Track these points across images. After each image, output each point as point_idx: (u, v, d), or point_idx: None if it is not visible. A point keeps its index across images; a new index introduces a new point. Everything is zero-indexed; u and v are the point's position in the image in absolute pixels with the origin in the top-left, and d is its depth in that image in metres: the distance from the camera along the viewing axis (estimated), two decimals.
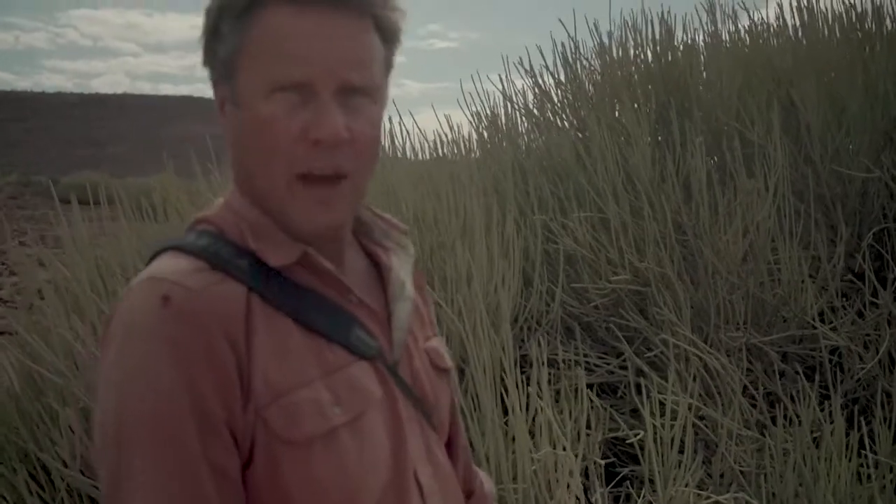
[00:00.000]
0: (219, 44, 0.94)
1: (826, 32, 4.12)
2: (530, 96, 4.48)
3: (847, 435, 2.60)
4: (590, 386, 2.85)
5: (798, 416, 2.73)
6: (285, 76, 0.90)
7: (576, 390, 2.74)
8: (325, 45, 0.90)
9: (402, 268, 1.07)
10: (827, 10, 4.19)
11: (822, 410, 2.79)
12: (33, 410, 2.40)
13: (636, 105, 4.02)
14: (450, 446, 1.15)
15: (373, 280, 1.05)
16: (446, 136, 4.25)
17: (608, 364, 3.29)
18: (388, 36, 0.97)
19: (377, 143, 0.98)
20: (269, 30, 0.91)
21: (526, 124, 4.44)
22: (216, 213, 0.99)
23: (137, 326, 0.87)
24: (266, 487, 0.88)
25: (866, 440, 2.67)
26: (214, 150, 3.61)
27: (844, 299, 3.44)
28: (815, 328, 3.24)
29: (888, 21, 3.98)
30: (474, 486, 1.23)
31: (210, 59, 0.97)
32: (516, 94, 4.49)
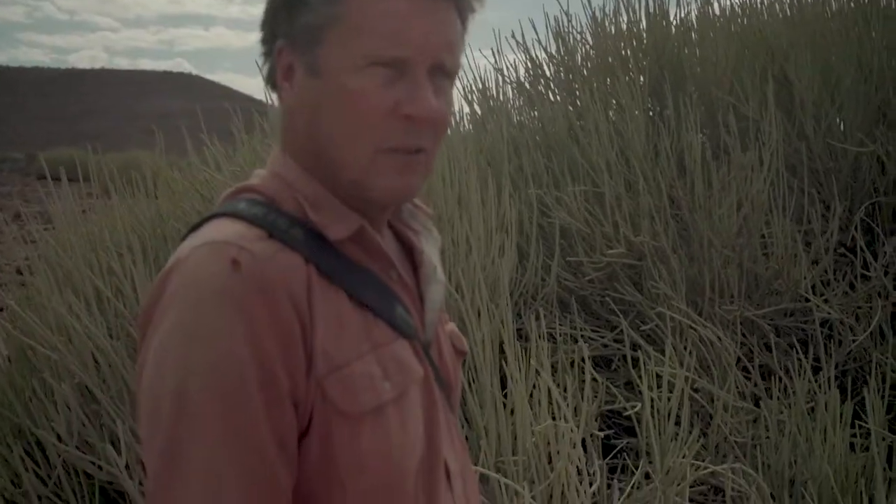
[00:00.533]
0: (300, 11, 0.93)
1: (820, 6, 4.11)
2: (522, 70, 4.46)
3: (841, 406, 2.63)
4: (583, 359, 2.86)
5: (793, 388, 2.75)
6: (385, 51, 0.90)
7: (572, 363, 2.74)
8: (423, 24, 0.92)
9: (431, 251, 1.07)
10: None
11: (815, 382, 2.81)
12: (27, 386, 2.37)
13: (629, 78, 4.00)
14: None
15: (404, 261, 1.05)
16: None
17: (603, 337, 3.30)
18: (466, 22, 0.99)
19: (450, 123, 0.99)
20: (368, 5, 0.91)
21: (518, 98, 4.41)
22: (265, 184, 0.97)
23: (206, 290, 0.84)
24: (315, 459, 0.87)
25: (859, 411, 2.70)
26: (201, 127, 3.57)
27: (836, 273, 3.46)
28: (807, 301, 3.26)
29: None
30: None
31: (281, 24, 0.95)
32: (508, 68, 4.47)
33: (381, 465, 0.90)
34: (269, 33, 0.97)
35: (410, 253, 1.06)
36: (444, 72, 0.94)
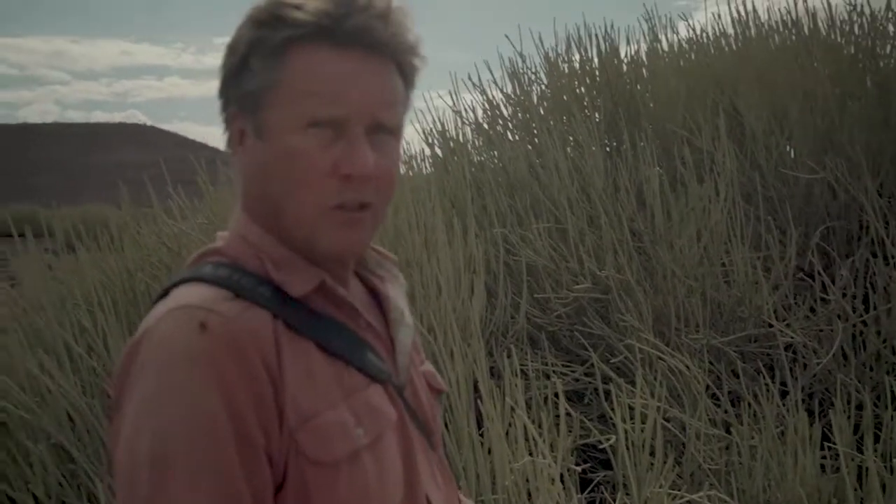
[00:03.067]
0: (246, 77, 0.96)
1: (764, 39, 4.26)
2: (480, 111, 4.54)
3: (809, 428, 2.68)
4: (556, 395, 2.89)
5: (762, 413, 2.81)
6: (323, 113, 0.93)
7: (545, 399, 2.77)
8: (360, 85, 0.95)
9: (398, 296, 1.10)
10: (762, 18, 4.34)
11: (783, 406, 2.87)
12: (2, 450, 2.34)
13: (585, 115, 4.10)
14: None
15: (372, 308, 1.08)
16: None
17: (574, 372, 3.34)
18: (409, 80, 1.02)
19: (396, 177, 1.02)
20: (307, 68, 0.94)
21: (478, 139, 4.48)
22: (228, 245, 1.00)
23: (176, 353, 0.87)
24: None
25: (827, 433, 2.76)
26: (160, 178, 3.57)
27: (797, 297, 3.55)
28: (770, 326, 3.33)
29: (822, 26, 4.14)
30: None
31: (231, 91, 0.99)
32: (465, 110, 4.55)
33: None
34: (224, 101, 1.01)
35: (377, 299, 1.08)
36: (384, 129, 0.97)
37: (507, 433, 2.39)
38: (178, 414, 0.84)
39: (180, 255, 2.91)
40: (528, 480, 2.32)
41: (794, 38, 4.20)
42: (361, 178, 0.94)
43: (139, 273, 2.82)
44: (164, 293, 0.96)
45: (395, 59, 0.98)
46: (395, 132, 0.99)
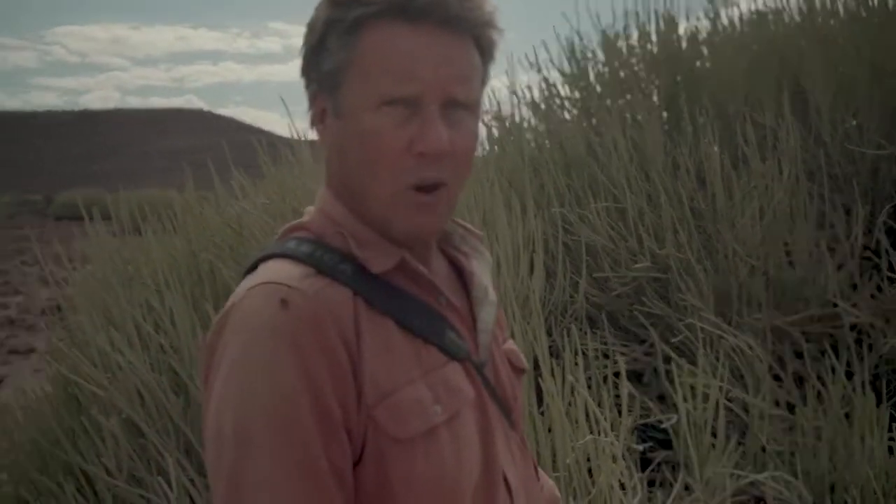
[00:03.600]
0: (324, 57, 0.97)
1: (828, 10, 4.14)
2: (536, 92, 4.51)
3: (876, 409, 2.63)
4: (616, 374, 2.88)
5: (827, 394, 2.76)
6: (396, 91, 0.93)
7: (605, 378, 2.76)
8: (433, 61, 0.94)
9: (483, 273, 1.09)
10: None
11: (848, 388, 2.82)
12: (76, 423, 2.41)
13: (643, 94, 4.05)
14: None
15: (456, 284, 1.08)
16: None
17: (633, 352, 3.32)
18: (486, 53, 1.01)
19: (473, 154, 1.02)
20: (379, 45, 0.94)
21: (534, 119, 4.46)
22: (313, 222, 1.01)
23: (258, 329, 0.89)
24: (372, 485, 0.90)
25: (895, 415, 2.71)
26: (221, 161, 3.62)
27: (862, 276, 3.47)
28: (835, 306, 3.26)
29: None
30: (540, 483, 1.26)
31: (312, 71, 1.00)
32: (521, 90, 4.53)
33: (436, 486, 0.92)
34: (307, 80, 1.02)
35: (462, 276, 1.08)
36: (460, 105, 0.96)
37: (567, 412, 2.39)
38: (259, 388, 0.87)
39: (242, 235, 2.96)
40: (588, 459, 2.32)
41: (860, 8, 4.07)
42: (436, 155, 0.94)
43: (203, 253, 2.88)
44: (253, 266, 0.99)
45: (471, 33, 0.97)
46: (471, 108, 0.98)
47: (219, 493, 0.87)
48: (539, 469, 1.26)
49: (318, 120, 1.01)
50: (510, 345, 1.16)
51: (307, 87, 1.02)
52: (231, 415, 0.87)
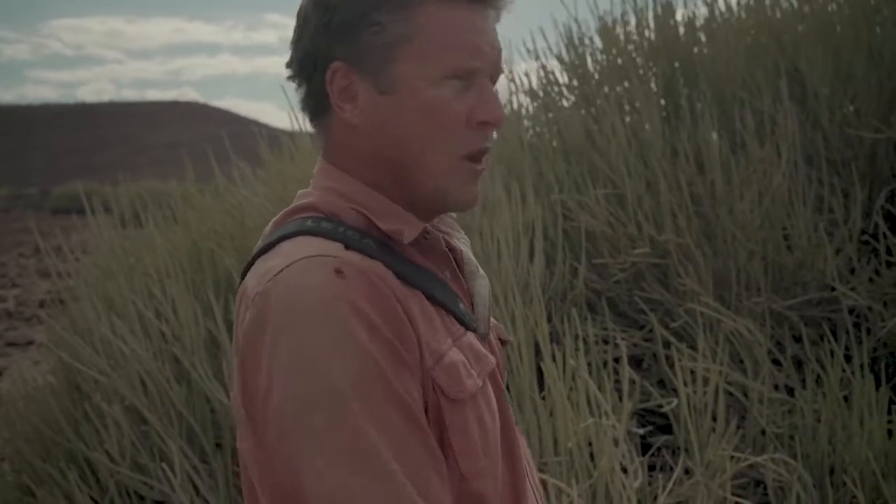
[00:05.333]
0: (369, 33, 0.96)
1: None
2: (534, 79, 4.50)
3: (875, 392, 2.65)
4: (616, 360, 2.89)
5: (826, 377, 2.77)
6: (462, 65, 0.97)
7: (605, 363, 2.78)
8: (487, 37, 0.99)
9: (466, 250, 1.12)
10: None
11: (847, 371, 2.83)
12: (78, 411, 2.42)
13: (641, 80, 4.05)
14: None
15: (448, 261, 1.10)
16: None
17: (632, 337, 3.33)
18: None
19: None
20: (440, 21, 0.96)
21: (532, 106, 4.46)
22: (321, 200, 1.00)
23: (319, 299, 0.88)
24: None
25: (894, 398, 2.72)
26: (219, 152, 3.62)
27: (861, 260, 3.48)
28: (833, 290, 3.28)
29: None
30: None
31: (339, 48, 0.98)
32: (519, 77, 4.52)
33: (484, 447, 0.96)
34: (310, 59, 0.99)
35: (448, 254, 1.11)
36: (495, 79, 1.01)
37: (568, 396, 2.41)
38: (337, 353, 0.87)
39: (244, 223, 2.97)
40: (590, 443, 2.33)
41: None
42: (497, 124, 0.99)
43: (204, 242, 2.89)
44: (265, 249, 0.98)
45: (497, 9, 1.02)
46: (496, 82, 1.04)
47: (300, 461, 0.86)
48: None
49: (341, 98, 0.98)
50: (492, 319, 1.19)
51: (306, 66, 1.00)
52: (317, 384, 0.86)
